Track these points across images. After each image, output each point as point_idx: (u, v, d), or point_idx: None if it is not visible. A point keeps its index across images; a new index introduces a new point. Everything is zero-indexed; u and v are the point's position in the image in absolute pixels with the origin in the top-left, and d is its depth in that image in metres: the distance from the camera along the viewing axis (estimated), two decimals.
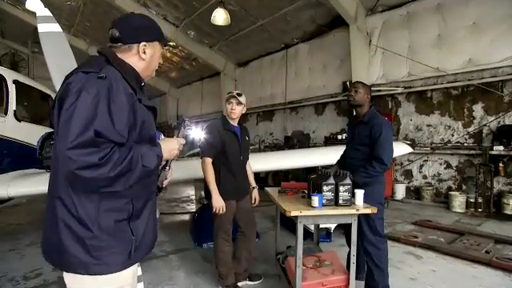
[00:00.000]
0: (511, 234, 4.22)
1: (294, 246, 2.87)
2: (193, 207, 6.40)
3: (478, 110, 5.90)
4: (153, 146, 1.18)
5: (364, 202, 2.17)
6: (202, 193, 5.10)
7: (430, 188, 6.45)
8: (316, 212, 2.06)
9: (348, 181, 2.15)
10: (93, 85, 1.03)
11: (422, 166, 6.76)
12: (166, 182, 1.55)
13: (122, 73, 1.13)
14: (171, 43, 1.41)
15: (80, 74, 1.07)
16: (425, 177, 6.72)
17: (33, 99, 3.79)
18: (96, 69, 1.08)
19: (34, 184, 2.94)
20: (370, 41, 7.38)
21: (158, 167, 1.22)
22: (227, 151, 2.50)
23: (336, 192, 2.14)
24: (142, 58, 1.23)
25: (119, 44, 1.20)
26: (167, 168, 1.48)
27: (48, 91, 4.00)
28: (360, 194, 2.17)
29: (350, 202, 2.15)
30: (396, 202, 6.46)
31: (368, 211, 2.10)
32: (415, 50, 6.66)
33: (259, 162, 3.58)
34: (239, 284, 2.66)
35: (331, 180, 2.15)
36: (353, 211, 2.09)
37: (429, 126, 6.64)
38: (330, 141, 7.58)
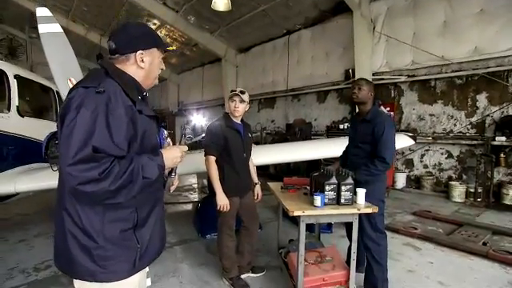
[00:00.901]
0: (509, 225, 4.32)
1: (295, 240, 2.96)
2: (195, 196, 6.50)
3: (481, 99, 5.85)
4: (155, 155, 1.19)
5: (365, 199, 2.21)
6: (205, 181, 5.17)
7: (431, 177, 6.50)
8: (318, 212, 2.10)
9: (350, 180, 2.18)
10: (91, 100, 1.05)
11: (423, 156, 6.79)
12: (172, 188, 1.58)
13: (121, 85, 1.14)
14: (170, 48, 1.42)
15: (80, 90, 1.09)
16: (425, 166, 6.76)
17: (34, 93, 3.79)
18: (95, 83, 1.09)
19: (40, 179, 2.99)
20: (374, 28, 7.22)
21: (160, 177, 1.23)
22: (230, 149, 2.52)
23: (338, 191, 2.17)
24: (141, 67, 1.23)
25: (117, 55, 1.21)
26: (173, 174, 1.51)
27: (49, 84, 3.98)
28: (361, 193, 2.20)
29: (352, 201, 2.19)
30: (396, 191, 6.54)
31: (369, 211, 2.14)
32: (420, 38, 6.53)
33: (261, 155, 3.60)
34: (242, 276, 2.75)
35: (333, 180, 2.18)
36: (354, 210, 2.13)
37: (431, 115, 6.61)
38: (332, 130, 7.58)
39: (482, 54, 5.71)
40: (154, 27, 11.36)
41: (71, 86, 1.95)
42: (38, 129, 3.47)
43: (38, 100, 3.90)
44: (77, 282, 1.19)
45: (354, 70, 7.65)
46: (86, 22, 13.04)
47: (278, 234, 3.23)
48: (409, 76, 6.87)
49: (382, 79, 7.28)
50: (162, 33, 12.26)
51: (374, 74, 7.39)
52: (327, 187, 2.17)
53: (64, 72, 1.93)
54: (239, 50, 11.99)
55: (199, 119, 15.55)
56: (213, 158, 2.48)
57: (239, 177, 2.58)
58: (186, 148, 1.38)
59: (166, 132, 2.75)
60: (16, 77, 3.21)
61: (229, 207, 2.44)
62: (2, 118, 2.91)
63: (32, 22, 15.16)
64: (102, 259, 1.12)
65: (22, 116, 3.18)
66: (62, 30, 1.97)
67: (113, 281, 1.16)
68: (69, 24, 12.45)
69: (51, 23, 1.94)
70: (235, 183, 2.54)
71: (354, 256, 2.23)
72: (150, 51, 1.24)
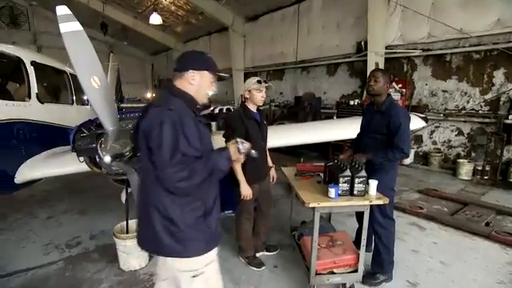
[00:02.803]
0: None
1: (308, 222, 3.14)
2: None
3: (498, 76, 5.70)
4: (221, 151, 1.52)
5: (377, 186, 2.31)
6: None
7: (439, 154, 6.55)
8: (332, 203, 2.22)
9: (363, 173, 2.27)
10: (167, 117, 1.35)
11: (432, 132, 6.78)
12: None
13: (184, 101, 1.46)
14: (222, 74, 1.69)
15: (156, 109, 1.41)
16: (434, 143, 6.78)
17: (51, 78, 3.83)
18: (165, 103, 1.42)
19: (64, 164, 3.14)
20: None
21: (228, 168, 1.54)
22: (251, 139, 2.58)
23: (351, 183, 2.27)
24: (191, 84, 1.51)
25: (175, 72, 1.52)
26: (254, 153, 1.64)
27: (62, 67, 4.00)
28: (374, 184, 2.30)
29: (364, 193, 2.29)
30: (404, 167, 6.63)
31: (380, 202, 2.26)
32: (438, 9, 6.22)
33: (274, 138, 3.65)
34: (257, 255, 2.98)
35: (347, 172, 2.27)
36: (366, 202, 2.25)
37: (444, 91, 6.49)
38: (342, 106, 7.52)
39: (505, 27, 5.46)
40: None
41: (95, 85, 2.00)
42: (58, 113, 3.58)
43: (54, 85, 3.95)
44: (165, 259, 1.53)
45: (366, 43, 7.41)
46: None
47: (291, 215, 3.40)
48: (423, 50, 6.64)
49: (395, 53, 7.06)
50: (166, 0, 11.81)
51: (387, 48, 7.16)
52: (341, 179, 2.27)
53: (88, 71, 1.97)
54: (247, 19, 11.55)
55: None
56: None
57: (259, 165, 2.67)
58: (248, 144, 1.59)
59: None
60: (33, 63, 3.25)
61: (251, 196, 2.58)
62: (24, 106, 3.00)
63: None
64: (183, 240, 1.45)
65: (42, 103, 3.26)
66: (82, 28, 1.98)
67: (192, 257, 1.49)
68: None
69: (72, 21, 1.94)
70: (255, 172, 2.64)
71: (363, 242, 2.39)
72: (200, 72, 1.51)
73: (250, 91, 2.61)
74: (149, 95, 20.46)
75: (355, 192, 2.28)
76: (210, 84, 1.56)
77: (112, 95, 2.12)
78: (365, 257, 2.45)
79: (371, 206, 2.40)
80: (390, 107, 2.50)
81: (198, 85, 1.51)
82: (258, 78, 2.63)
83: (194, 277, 1.51)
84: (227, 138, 2.59)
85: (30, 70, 3.17)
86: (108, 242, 3.22)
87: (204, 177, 1.37)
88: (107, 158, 1.82)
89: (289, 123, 7.86)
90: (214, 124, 11.37)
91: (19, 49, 3.27)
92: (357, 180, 2.27)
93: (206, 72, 1.53)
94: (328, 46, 8.80)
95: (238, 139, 1.57)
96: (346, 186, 2.28)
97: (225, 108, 11.27)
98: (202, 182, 1.38)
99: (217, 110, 11.21)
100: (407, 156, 2.48)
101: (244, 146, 1.55)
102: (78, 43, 2.00)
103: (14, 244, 3.28)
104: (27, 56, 3.23)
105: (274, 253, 3.09)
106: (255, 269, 2.82)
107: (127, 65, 18.01)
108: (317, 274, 2.36)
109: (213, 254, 1.59)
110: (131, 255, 2.77)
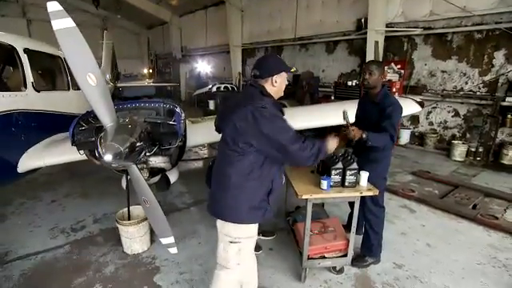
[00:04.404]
0: (503, 185, 4.60)
1: (302, 207, 3.27)
2: (205, 152, 6.82)
3: (499, 57, 5.64)
4: (323, 141, 1.86)
5: (370, 175, 2.41)
6: None
7: (434, 135, 6.63)
8: (324, 195, 2.33)
9: (355, 165, 2.35)
10: (265, 113, 1.66)
11: (429, 113, 6.81)
12: None
13: (272, 100, 1.80)
14: (292, 70, 1.93)
15: (250, 107, 1.67)
16: (431, 123, 6.84)
17: (45, 65, 3.78)
18: (259, 102, 1.70)
19: (65, 152, 3.18)
20: None
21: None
22: None
23: (343, 175, 2.37)
24: (274, 86, 1.83)
25: (259, 79, 1.81)
26: None
27: (56, 52, 3.93)
28: (365, 176, 2.40)
29: (355, 184, 2.39)
30: (400, 148, 6.74)
31: (370, 193, 2.36)
32: None
33: None
34: None
35: (339, 165, 2.36)
36: (357, 193, 2.35)
37: (443, 71, 6.44)
38: (340, 87, 7.46)
39: (510, 6, 5.32)
40: None
41: (91, 82, 2.01)
42: (55, 101, 3.58)
43: (49, 71, 3.89)
44: (232, 224, 1.82)
45: (366, 20, 7.21)
46: None
47: (286, 198, 3.52)
48: (424, 28, 6.49)
49: (396, 31, 6.90)
50: None
51: (387, 25, 6.98)
52: (333, 172, 2.36)
53: (83, 68, 1.97)
54: None
55: (204, 66, 15.16)
56: None
57: None
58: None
59: (182, 115, 2.88)
60: (26, 51, 3.19)
61: None
62: (21, 96, 3.00)
63: None
64: (249, 211, 1.78)
65: (38, 91, 3.25)
66: (75, 25, 1.96)
67: (250, 223, 1.84)
68: None
69: (64, 18, 1.91)
70: None
71: (353, 229, 2.52)
72: (280, 75, 1.82)
73: None
74: (145, 71, 20.12)
75: (346, 183, 2.38)
76: (285, 80, 1.87)
77: (109, 91, 2.13)
78: (355, 239, 2.60)
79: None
80: (384, 98, 2.52)
81: (279, 86, 1.84)
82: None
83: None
84: None
85: (24, 57, 3.12)
86: (111, 226, 3.37)
87: (312, 153, 1.73)
88: (107, 157, 1.87)
89: (287, 102, 7.83)
90: (211, 102, 11.36)
91: (11, 36, 3.20)
92: (348, 172, 2.36)
93: (283, 73, 1.83)
94: (327, 23, 8.57)
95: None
96: (337, 178, 2.38)
97: (222, 86, 11.16)
98: (311, 157, 1.74)
99: (214, 89, 11.10)
100: (392, 144, 2.50)
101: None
102: (72, 40, 1.98)
103: (22, 228, 3.43)
104: (19, 43, 3.16)
105: (271, 238, 3.25)
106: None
107: (122, 39, 17.52)
108: (309, 258, 2.52)
109: (254, 230, 1.90)
110: (134, 240, 2.92)
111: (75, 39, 2.00)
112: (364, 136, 2.31)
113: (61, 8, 1.94)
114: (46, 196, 4.28)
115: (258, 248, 3.00)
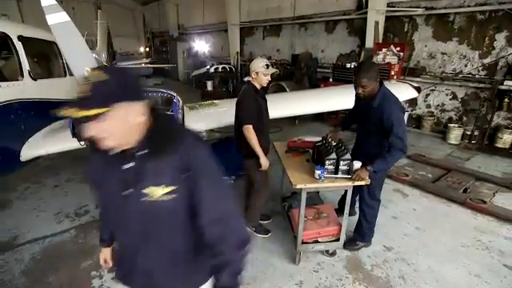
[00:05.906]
0: (494, 169, 4.72)
1: (298, 193, 3.37)
2: (203, 135, 6.86)
3: (500, 39, 5.56)
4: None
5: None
6: None
7: (432, 118, 6.67)
8: (318, 184, 2.42)
9: (348, 156, 2.43)
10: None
11: (427, 96, 6.81)
12: None
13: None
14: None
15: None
16: (428, 106, 6.85)
17: (40, 52, 3.73)
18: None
19: (66, 141, 3.24)
20: None
21: None
22: (262, 116, 2.77)
23: (336, 165, 2.45)
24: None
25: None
26: None
27: (50, 38, 3.87)
28: (357, 165, 2.47)
29: (348, 173, 2.48)
30: None
31: (362, 183, 2.45)
32: None
33: (271, 110, 3.67)
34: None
35: (333, 155, 2.43)
36: (349, 183, 2.45)
37: (443, 53, 6.36)
38: (338, 69, 7.37)
39: None
40: None
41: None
42: (52, 88, 3.58)
43: (45, 58, 3.85)
44: None
45: (367, 1, 7.01)
46: None
47: (282, 184, 3.63)
48: (426, 8, 6.34)
49: (397, 11, 6.74)
50: None
51: (388, 5, 6.81)
52: (327, 162, 2.44)
53: (80, 62, 2.00)
54: None
55: (201, 45, 14.83)
56: (251, 126, 2.68)
57: (267, 138, 2.89)
58: None
59: (180, 103, 2.93)
60: (20, 38, 3.16)
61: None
62: (18, 86, 3.01)
63: None
64: None
65: (35, 80, 3.25)
66: (69, 19, 1.96)
67: None
68: None
69: (58, 12, 1.91)
70: (266, 144, 2.86)
71: (346, 216, 2.64)
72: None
73: (257, 73, 2.70)
74: (142, 49, 19.66)
75: (339, 173, 2.47)
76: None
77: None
78: (348, 221, 2.72)
79: (361, 186, 2.58)
80: (383, 101, 2.43)
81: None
82: (266, 62, 2.69)
83: None
84: (246, 116, 2.67)
85: (19, 45, 3.10)
86: None
87: None
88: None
89: (285, 84, 7.79)
90: (209, 83, 11.25)
91: (4, 23, 3.16)
92: (342, 162, 2.44)
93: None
94: (327, 1, 8.33)
95: None
96: (331, 168, 2.47)
97: (220, 67, 11.01)
98: None
99: (212, 69, 10.96)
100: (405, 153, 2.48)
101: None
102: (68, 34, 2.00)
103: (28, 213, 3.56)
104: (13, 31, 3.12)
105: (268, 222, 3.39)
106: (263, 235, 3.12)
107: (116, 16, 16.99)
108: (303, 242, 2.67)
109: None
110: None
111: (71, 33, 2.02)
112: (369, 169, 2.40)
113: (54, 2, 1.93)
114: (49, 181, 4.38)
115: (267, 231, 3.14)
